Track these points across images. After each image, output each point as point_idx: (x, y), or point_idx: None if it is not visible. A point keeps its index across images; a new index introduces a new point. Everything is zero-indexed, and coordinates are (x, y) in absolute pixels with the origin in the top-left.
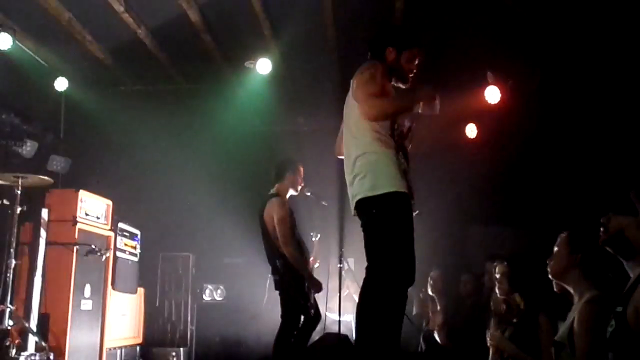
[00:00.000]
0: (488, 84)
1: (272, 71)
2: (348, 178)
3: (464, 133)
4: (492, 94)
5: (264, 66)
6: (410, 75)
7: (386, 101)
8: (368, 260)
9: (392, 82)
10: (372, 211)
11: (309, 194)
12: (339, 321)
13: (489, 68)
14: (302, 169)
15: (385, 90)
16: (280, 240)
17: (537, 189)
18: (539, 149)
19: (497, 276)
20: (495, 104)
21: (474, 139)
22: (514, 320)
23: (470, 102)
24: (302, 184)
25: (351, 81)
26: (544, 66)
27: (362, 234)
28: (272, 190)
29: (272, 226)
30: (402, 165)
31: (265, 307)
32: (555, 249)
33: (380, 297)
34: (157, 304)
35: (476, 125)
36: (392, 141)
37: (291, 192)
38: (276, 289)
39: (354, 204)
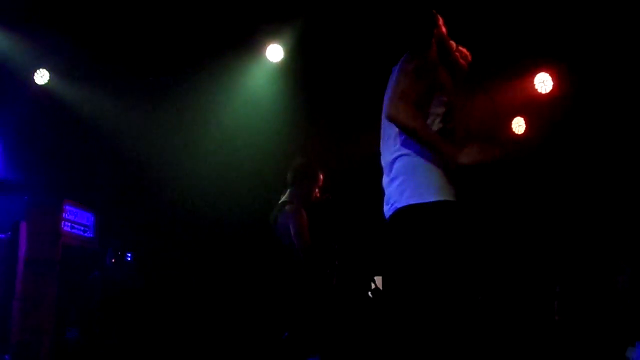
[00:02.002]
0: (537, 70)
1: (284, 59)
2: (384, 180)
3: (510, 128)
4: (543, 82)
5: (275, 53)
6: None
7: (416, 118)
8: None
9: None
10: (416, 222)
11: (327, 198)
12: None
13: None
14: (322, 177)
15: (439, 83)
16: (300, 252)
17: (596, 193)
18: (600, 145)
19: None
20: (547, 94)
21: (522, 134)
22: None
23: (518, 92)
24: (319, 193)
25: (394, 68)
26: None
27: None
28: (285, 197)
29: (289, 236)
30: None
31: None
32: None
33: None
34: None
35: (524, 118)
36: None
37: (305, 200)
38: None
39: (390, 212)
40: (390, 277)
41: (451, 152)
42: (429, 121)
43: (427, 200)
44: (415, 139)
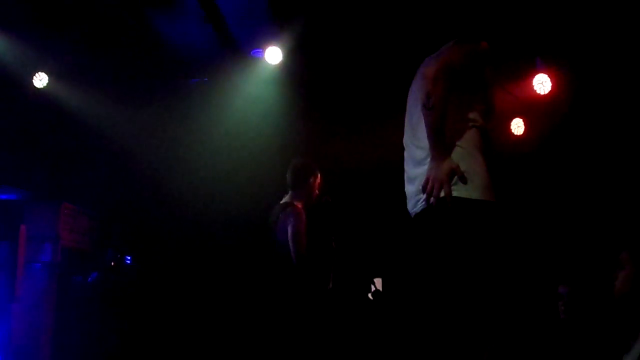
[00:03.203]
0: (537, 71)
1: (283, 61)
2: (412, 171)
3: (509, 130)
4: (542, 84)
5: (273, 55)
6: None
7: (443, 98)
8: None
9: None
10: (461, 216)
11: (326, 200)
12: None
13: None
14: (320, 176)
15: (484, 78)
16: (293, 255)
17: (597, 195)
18: (599, 146)
19: None
20: (545, 95)
21: (521, 135)
22: None
23: (516, 94)
24: (318, 193)
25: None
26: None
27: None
28: (286, 198)
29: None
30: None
31: None
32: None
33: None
34: None
35: (523, 120)
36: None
37: (307, 201)
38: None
39: (418, 206)
40: (419, 269)
41: (435, 149)
42: (474, 115)
43: (473, 197)
44: (426, 114)
